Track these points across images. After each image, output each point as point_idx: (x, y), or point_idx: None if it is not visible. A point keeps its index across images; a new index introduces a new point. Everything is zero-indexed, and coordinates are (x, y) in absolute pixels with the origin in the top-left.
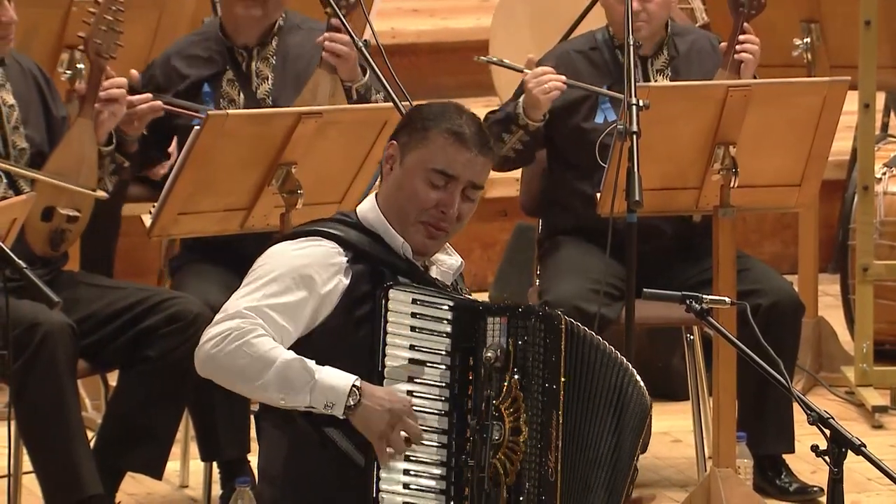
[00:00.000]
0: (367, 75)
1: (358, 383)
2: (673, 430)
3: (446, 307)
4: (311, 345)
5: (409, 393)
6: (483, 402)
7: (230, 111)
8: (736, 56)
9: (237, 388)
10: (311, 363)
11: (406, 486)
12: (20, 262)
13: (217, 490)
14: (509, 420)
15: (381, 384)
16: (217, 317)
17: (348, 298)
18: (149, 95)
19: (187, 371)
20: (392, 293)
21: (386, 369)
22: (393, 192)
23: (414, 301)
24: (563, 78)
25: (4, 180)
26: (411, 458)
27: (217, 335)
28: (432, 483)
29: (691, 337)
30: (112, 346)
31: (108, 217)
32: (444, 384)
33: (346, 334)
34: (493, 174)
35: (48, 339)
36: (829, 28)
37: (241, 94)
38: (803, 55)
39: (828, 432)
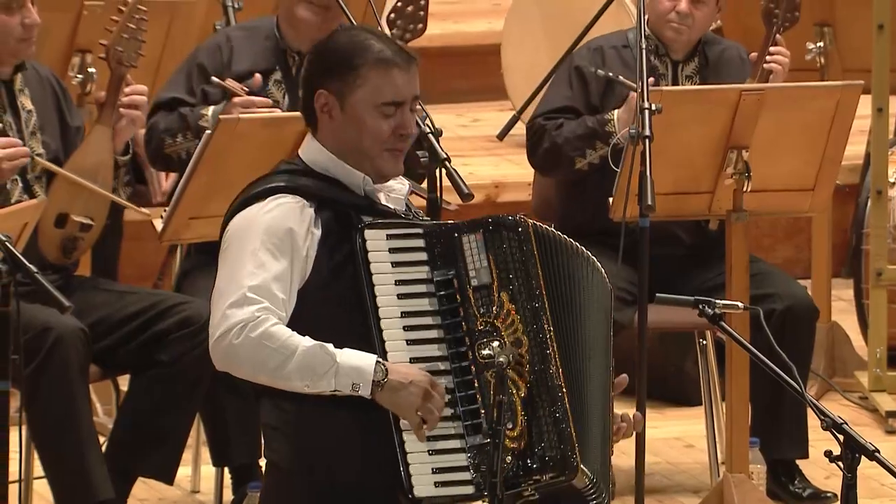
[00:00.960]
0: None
1: (381, 360)
2: (686, 436)
3: (418, 234)
4: (303, 305)
5: (406, 328)
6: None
7: (241, 115)
8: (765, 66)
9: (258, 379)
10: (331, 347)
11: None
12: (31, 266)
13: (228, 495)
14: (508, 334)
15: (379, 325)
16: (220, 304)
17: (324, 247)
18: (270, 101)
19: (199, 376)
20: (367, 233)
21: (379, 309)
22: (344, 135)
23: (388, 237)
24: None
25: (20, 184)
26: None
27: (233, 327)
28: (446, 411)
29: (704, 342)
30: (123, 351)
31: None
32: (435, 311)
33: (331, 283)
34: (505, 177)
35: (59, 343)
36: (843, 31)
37: (287, 98)
38: (816, 59)
39: (841, 438)
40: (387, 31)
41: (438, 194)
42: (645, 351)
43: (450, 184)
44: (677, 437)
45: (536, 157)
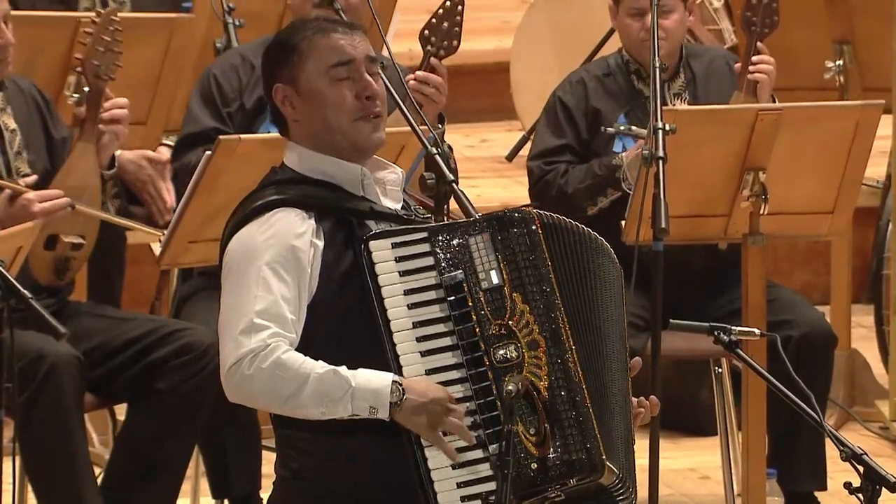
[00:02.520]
0: (443, 126)
1: (397, 378)
2: (701, 467)
3: (423, 239)
4: (312, 319)
5: (419, 339)
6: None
7: (242, 136)
8: (750, 77)
9: (274, 409)
10: (344, 370)
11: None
12: (25, 291)
13: None
14: (523, 335)
15: (392, 339)
16: (228, 333)
17: (328, 258)
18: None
19: (198, 405)
20: (372, 245)
21: (391, 322)
22: (313, 121)
23: (394, 245)
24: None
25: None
26: None
27: (243, 357)
28: (466, 421)
29: (720, 370)
30: (120, 379)
31: (112, 246)
32: (446, 317)
33: (338, 295)
34: (514, 199)
35: (54, 371)
36: (862, 50)
37: None
38: (835, 78)
39: (861, 469)
40: (418, 46)
41: (445, 216)
42: (658, 379)
43: (457, 206)
44: (692, 468)
45: (546, 205)
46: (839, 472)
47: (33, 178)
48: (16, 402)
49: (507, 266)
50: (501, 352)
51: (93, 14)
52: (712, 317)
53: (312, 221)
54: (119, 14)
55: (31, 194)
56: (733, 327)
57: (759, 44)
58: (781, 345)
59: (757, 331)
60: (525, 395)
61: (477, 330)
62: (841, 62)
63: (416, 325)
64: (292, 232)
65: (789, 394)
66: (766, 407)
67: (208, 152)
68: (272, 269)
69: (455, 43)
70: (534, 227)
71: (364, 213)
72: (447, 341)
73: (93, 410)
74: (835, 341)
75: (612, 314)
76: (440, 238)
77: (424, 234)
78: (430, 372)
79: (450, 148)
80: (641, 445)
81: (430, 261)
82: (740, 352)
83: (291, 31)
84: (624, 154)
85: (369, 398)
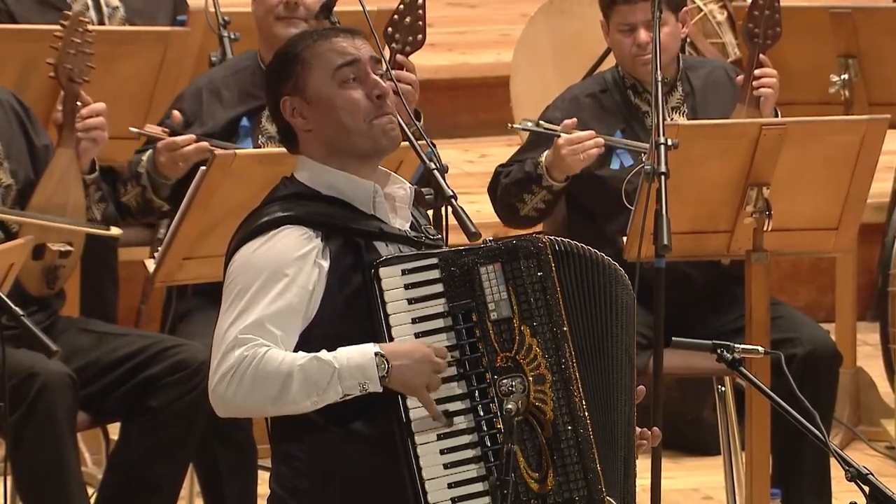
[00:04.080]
0: (421, 121)
1: (378, 349)
2: (704, 487)
3: (433, 266)
4: (313, 342)
5: None
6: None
7: (238, 150)
8: (753, 92)
9: (266, 413)
10: (324, 354)
11: (446, 465)
12: (17, 309)
13: None
14: (530, 370)
15: None
16: (214, 351)
17: (333, 280)
18: (192, 137)
19: (192, 422)
20: (382, 272)
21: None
22: (327, 127)
23: (404, 272)
24: (602, 140)
25: None
26: (441, 435)
27: (225, 373)
28: (469, 453)
29: (723, 388)
30: (113, 397)
31: (103, 258)
32: (453, 345)
33: (343, 319)
34: None
35: (46, 389)
36: (868, 63)
37: None
38: (840, 92)
39: (867, 489)
40: (385, 48)
41: (444, 234)
42: (661, 398)
43: (456, 222)
44: (695, 488)
45: (494, 207)
46: (844, 493)
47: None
48: (7, 422)
49: (517, 298)
50: (508, 384)
51: (63, 21)
52: (715, 334)
53: (319, 241)
54: (114, 27)
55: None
56: (737, 345)
57: (761, 56)
58: (785, 363)
59: (761, 348)
60: (529, 430)
61: (484, 361)
62: (846, 76)
63: None
64: (295, 251)
65: (794, 412)
66: (770, 426)
67: (203, 168)
68: (268, 285)
69: (420, 37)
70: (545, 258)
71: (373, 233)
72: (452, 370)
73: (85, 429)
74: (840, 359)
75: (622, 342)
76: (451, 265)
77: (434, 261)
78: (438, 402)
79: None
80: (643, 465)
81: (439, 288)
82: (744, 370)
83: (290, 43)
84: (548, 151)
85: (357, 375)
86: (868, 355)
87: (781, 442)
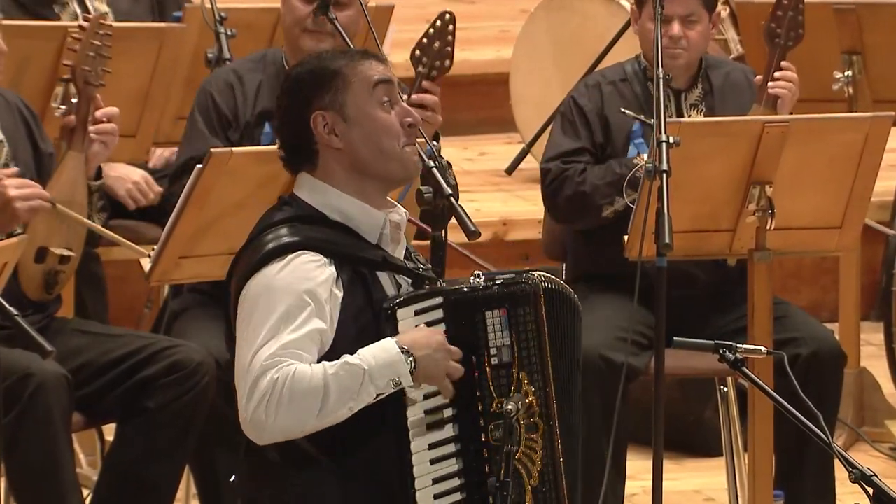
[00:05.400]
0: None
1: (399, 343)
2: (706, 489)
3: (439, 305)
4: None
5: (427, 412)
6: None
7: (234, 149)
8: (771, 91)
9: (307, 431)
10: (350, 358)
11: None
12: (11, 309)
13: None
14: (525, 417)
15: (405, 413)
16: (241, 381)
17: (346, 312)
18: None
19: (188, 424)
20: (399, 313)
21: (405, 396)
22: (362, 148)
23: (416, 313)
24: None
25: None
26: (434, 479)
27: (261, 400)
28: (457, 496)
29: (725, 389)
30: (109, 398)
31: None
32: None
33: (354, 350)
34: (513, 214)
35: (41, 390)
36: (872, 60)
37: None
38: (844, 89)
39: (871, 491)
40: (411, 67)
41: (443, 232)
42: (662, 398)
43: (455, 221)
44: (696, 489)
45: (558, 204)
46: (848, 494)
47: (14, 170)
48: (1, 422)
49: (519, 345)
50: (499, 434)
51: (80, 21)
52: (717, 334)
53: (332, 269)
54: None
55: (8, 172)
56: (739, 345)
57: (783, 62)
58: (789, 363)
59: (763, 348)
60: (517, 476)
61: (479, 406)
62: (850, 73)
63: (425, 397)
64: (314, 278)
65: (797, 413)
66: (772, 427)
67: (199, 165)
68: (290, 314)
69: (447, 63)
70: (541, 304)
71: (377, 263)
72: (449, 412)
73: (80, 430)
74: (844, 360)
75: (578, 365)
76: (456, 307)
77: (440, 300)
78: (432, 446)
79: (449, 164)
80: (645, 466)
81: (441, 328)
82: (746, 370)
83: (323, 61)
84: (645, 155)
85: (388, 373)
86: (872, 355)
87: (784, 443)
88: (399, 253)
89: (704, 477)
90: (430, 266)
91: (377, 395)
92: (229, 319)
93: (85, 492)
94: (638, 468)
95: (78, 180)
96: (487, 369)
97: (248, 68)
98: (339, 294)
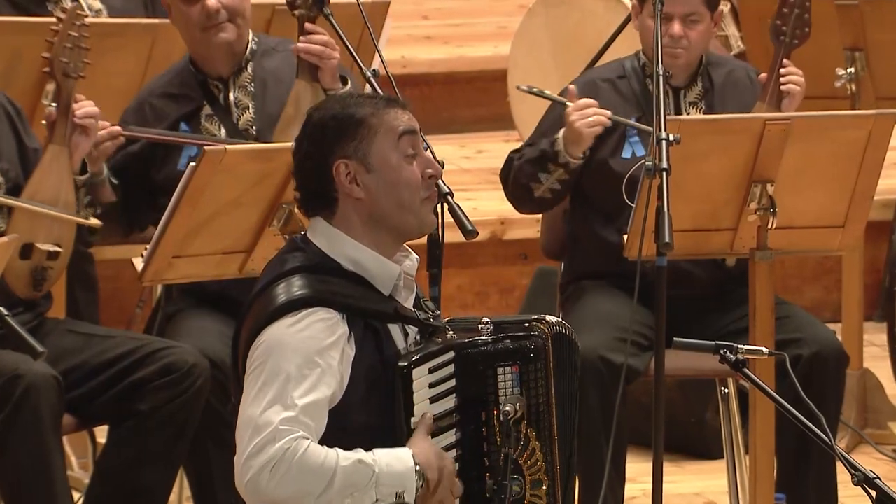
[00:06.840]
0: (349, 85)
1: (415, 459)
2: (706, 491)
3: (451, 360)
4: (331, 426)
5: None
6: (502, 460)
7: (228, 146)
8: (784, 87)
9: None
10: (365, 456)
11: None
12: (2, 309)
13: None
14: (529, 473)
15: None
16: (245, 435)
17: (357, 370)
18: (107, 123)
19: (182, 426)
20: (415, 373)
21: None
22: (378, 200)
23: (430, 371)
24: (608, 113)
25: None
26: None
27: (266, 464)
28: None
29: (726, 390)
30: (100, 400)
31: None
32: (457, 442)
33: (362, 408)
34: (511, 212)
35: (31, 392)
36: (875, 57)
37: (222, 129)
38: (847, 86)
39: (874, 493)
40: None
41: (440, 232)
42: (662, 400)
43: (452, 220)
44: (697, 492)
45: (507, 192)
46: (850, 497)
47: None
48: None
49: (529, 401)
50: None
51: (58, 13)
52: (718, 335)
53: (345, 326)
54: (100, 20)
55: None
56: (740, 346)
57: (785, 60)
58: (791, 364)
59: (765, 349)
60: None
61: (486, 461)
62: (853, 70)
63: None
64: (326, 337)
65: (799, 415)
66: (774, 429)
67: (192, 164)
68: (303, 374)
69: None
70: (550, 355)
71: (389, 315)
72: (455, 467)
73: (72, 433)
74: (846, 360)
75: (577, 406)
76: (467, 361)
77: (452, 355)
78: None
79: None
80: (645, 469)
81: (452, 383)
82: (748, 371)
83: (347, 108)
84: (563, 128)
85: (396, 483)
86: (875, 356)
87: (786, 445)
88: (410, 301)
89: (705, 479)
90: (438, 312)
91: (376, 501)
92: (227, 322)
93: (76, 495)
94: (638, 470)
95: (62, 174)
96: (496, 424)
97: (159, 88)
98: (352, 353)
